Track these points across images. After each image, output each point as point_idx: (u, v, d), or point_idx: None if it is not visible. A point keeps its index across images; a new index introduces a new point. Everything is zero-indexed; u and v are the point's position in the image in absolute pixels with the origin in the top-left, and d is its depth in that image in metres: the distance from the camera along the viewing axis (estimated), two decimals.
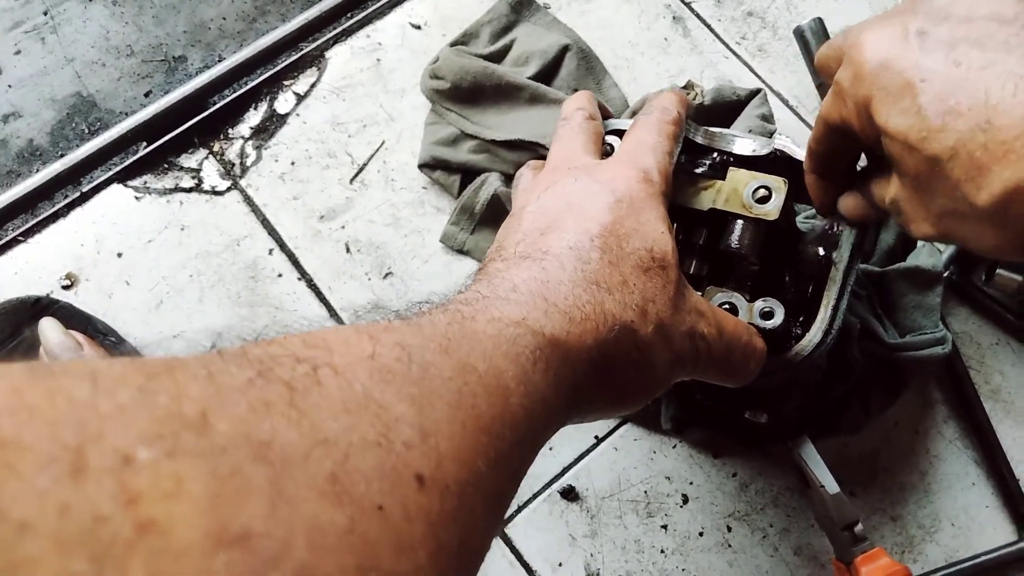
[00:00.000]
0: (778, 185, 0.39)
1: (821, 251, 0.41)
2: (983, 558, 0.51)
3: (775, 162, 0.41)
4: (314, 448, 0.19)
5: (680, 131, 0.40)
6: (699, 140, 0.42)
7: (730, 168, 0.41)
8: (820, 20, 0.61)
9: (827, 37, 0.61)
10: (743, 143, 0.42)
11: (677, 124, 0.40)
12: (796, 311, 0.41)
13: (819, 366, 0.44)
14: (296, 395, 0.20)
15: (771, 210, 0.39)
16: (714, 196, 0.40)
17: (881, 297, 0.51)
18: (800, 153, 0.41)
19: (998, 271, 0.55)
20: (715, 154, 0.42)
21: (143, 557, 0.15)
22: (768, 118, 0.56)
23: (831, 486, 0.47)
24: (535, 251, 0.33)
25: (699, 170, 0.41)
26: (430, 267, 0.59)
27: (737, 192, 0.40)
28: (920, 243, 0.55)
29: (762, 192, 0.39)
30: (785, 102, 0.64)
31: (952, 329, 0.57)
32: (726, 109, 0.57)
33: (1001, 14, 0.29)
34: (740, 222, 0.39)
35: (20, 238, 0.60)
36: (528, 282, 0.31)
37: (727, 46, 0.65)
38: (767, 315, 0.38)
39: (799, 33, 0.61)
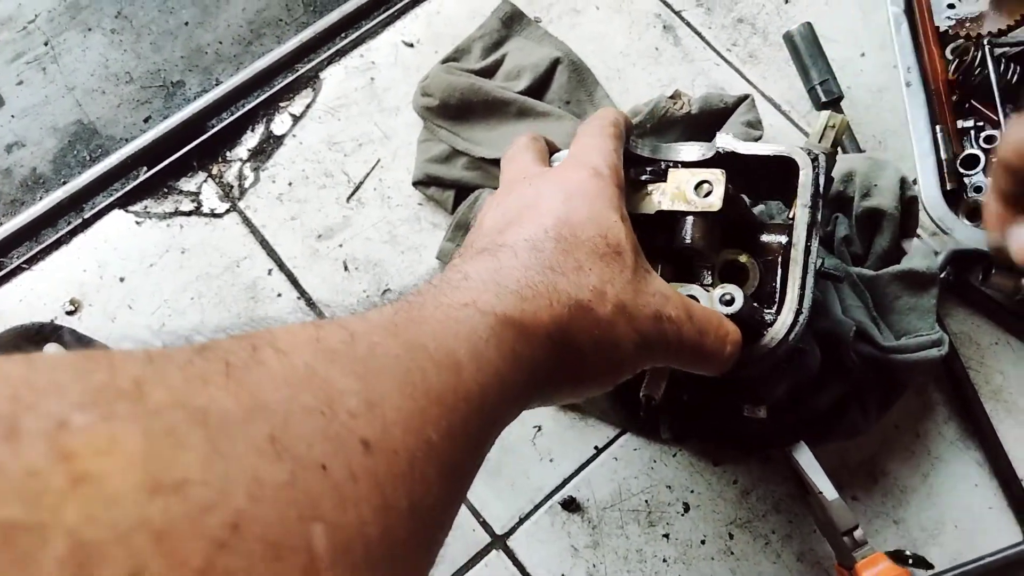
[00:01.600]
0: (716, 176, 0.40)
1: (782, 239, 0.42)
2: (988, 560, 0.51)
3: (722, 162, 0.42)
4: (252, 414, 0.19)
5: (621, 133, 0.41)
6: (645, 154, 0.44)
7: (670, 169, 0.42)
8: (809, 25, 0.61)
9: (816, 42, 0.61)
10: (688, 150, 0.43)
11: (617, 127, 0.41)
12: (769, 302, 0.42)
13: (804, 350, 0.44)
14: (234, 370, 0.20)
15: (714, 201, 0.40)
16: (659, 198, 0.41)
17: (876, 300, 0.51)
18: (743, 147, 0.42)
19: (994, 271, 0.55)
20: (660, 163, 0.43)
21: (77, 503, 0.15)
22: (754, 124, 0.56)
23: (829, 492, 0.47)
24: (492, 245, 0.33)
25: (643, 177, 0.42)
26: None
27: (680, 191, 0.41)
28: (915, 245, 0.55)
29: (704, 186, 0.40)
30: (777, 107, 0.64)
31: (951, 330, 0.56)
32: (714, 117, 0.57)
33: None
34: (689, 219, 0.40)
35: (24, 265, 0.61)
36: (480, 272, 0.31)
37: (718, 53, 0.65)
38: (727, 301, 0.39)
39: (789, 38, 0.62)
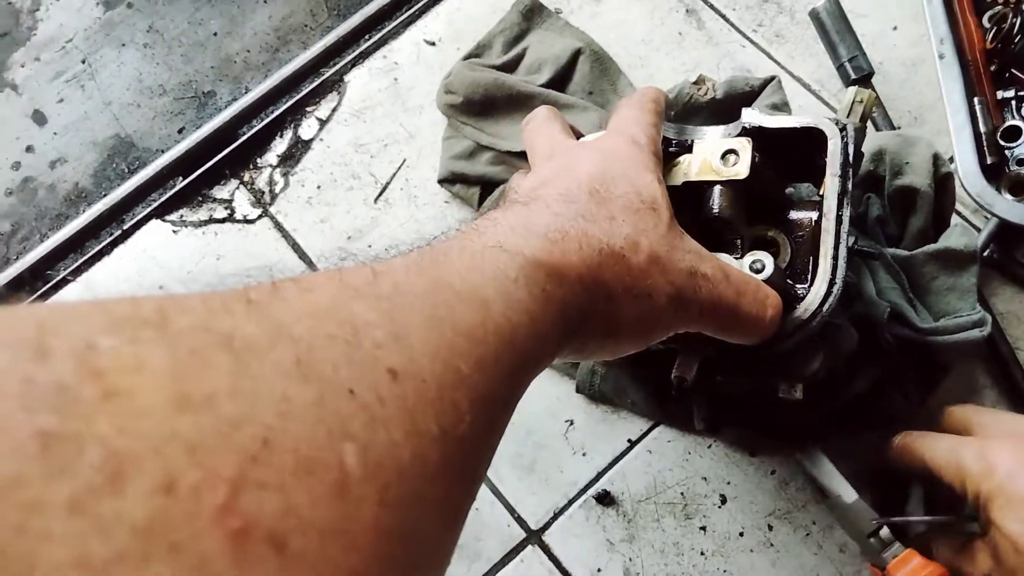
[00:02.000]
0: (743, 145, 0.40)
1: (813, 215, 0.41)
2: None
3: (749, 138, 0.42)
4: (276, 340, 0.19)
5: (660, 109, 0.41)
6: (670, 135, 0.43)
7: (696, 142, 0.41)
8: (836, 1, 0.59)
9: (843, 17, 0.59)
10: (713, 132, 0.43)
11: (657, 103, 0.41)
12: (801, 278, 0.41)
13: (838, 325, 0.43)
14: (256, 304, 0.20)
15: (741, 170, 0.39)
16: (685, 170, 0.41)
17: (912, 281, 0.50)
18: (769, 121, 0.42)
19: None
20: (687, 140, 0.43)
21: (109, 416, 0.15)
22: (780, 106, 0.55)
23: (848, 494, 0.45)
24: (524, 199, 0.33)
25: (670, 149, 0.42)
26: None
27: (707, 162, 0.40)
28: (953, 223, 0.53)
29: (730, 156, 0.40)
30: (807, 87, 0.62)
31: (997, 310, 0.54)
32: (739, 101, 0.56)
33: None
34: (716, 188, 0.40)
35: (69, 277, 0.63)
36: (509, 219, 0.31)
37: (743, 35, 0.64)
38: (757, 269, 0.38)
39: (815, 15, 0.60)
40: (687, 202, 0.41)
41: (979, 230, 0.55)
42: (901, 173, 0.50)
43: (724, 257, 0.39)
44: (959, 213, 0.57)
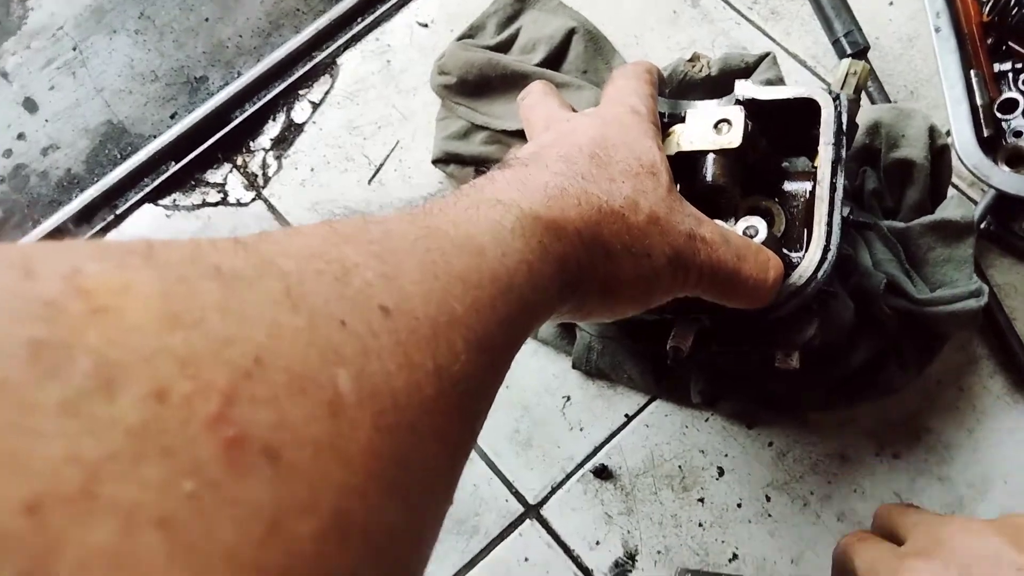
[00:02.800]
0: (735, 113, 0.40)
1: (807, 186, 0.41)
2: None
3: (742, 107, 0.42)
4: (265, 272, 0.19)
5: (655, 80, 0.42)
6: (664, 109, 0.44)
7: (689, 111, 0.41)
8: None
9: None
10: (706, 104, 0.44)
11: (651, 73, 0.42)
12: (796, 246, 0.42)
13: (834, 293, 0.43)
14: (243, 243, 0.20)
15: (734, 138, 0.39)
16: (678, 140, 0.41)
17: (908, 253, 0.50)
18: (762, 93, 0.42)
19: None
20: (681, 112, 0.43)
21: (98, 329, 0.15)
22: (775, 81, 0.55)
23: None
24: (524, 160, 0.33)
25: (664, 121, 0.42)
26: None
27: (699, 132, 0.40)
28: (949, 195, 0.53)
29: (723, 125, 0.40)
30: (803, 63, 0.62)
31: (994, 281, 0.54)
32: (734, 77, 0.55)
33: (1019, 564, 0.34)
34: (709, 156, 0.40)
35: None
36: (507, 176, 0.30)
37: (739, 12, 0.64)
38: (751, 234, 0.38)
39: None
40: (682, 172, 0.41)
41: (976, 203, 0.55)
42: (897, 145, 0.50)
43: (719, 223, 0.39)
44: (955, 186, 0.57)
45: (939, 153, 0.51)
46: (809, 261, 0.39)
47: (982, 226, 0.55)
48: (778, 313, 0.40)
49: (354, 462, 0.17)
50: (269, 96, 0.66)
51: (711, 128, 0.40)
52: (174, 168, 0.65)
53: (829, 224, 0.39)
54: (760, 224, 0.38)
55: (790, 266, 0.39)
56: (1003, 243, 0.56)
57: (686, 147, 0.40)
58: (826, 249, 0.39)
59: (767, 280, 0.36)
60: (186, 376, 0.15)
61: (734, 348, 0.43)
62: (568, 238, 0.29)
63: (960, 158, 0.53)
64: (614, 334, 0.52)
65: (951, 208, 0.50)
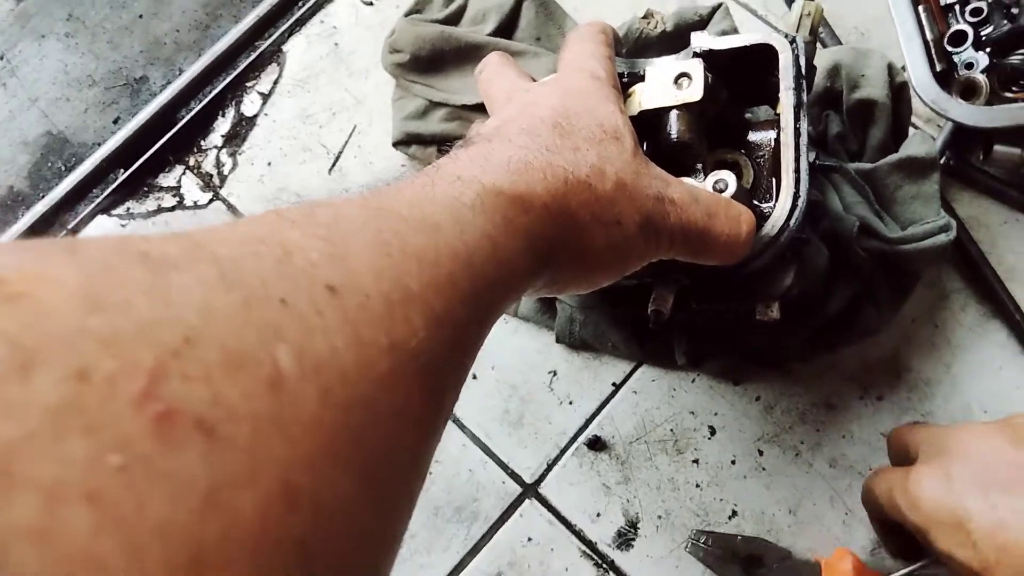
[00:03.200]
0: (694, 66, 0.39)
1: (771, 135, 0.41)
2: None
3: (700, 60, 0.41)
4: (197, 256, 0.18)
5: (610, 40, 0.41)
6: (622, 69, 0.43)
7: (647, 69, 0.41)
8: None
9: None
10: (664, 60, 0.43)
11: (606, 34, 0.41)
12: (765, 197, 0.41)
13: (807, 239, 0.43)
14: (178, 232, 0.19)
15: (695, 92, 0.39)
16: (639, 99, 0.40)
17: (877, 193, 0.50)
18: (719, 43, 0.42)
19: (995, 147, 0.53)
20: (639, 70, 0.42)
21: (12, 315, 0.14)
22: (730, 32, 0.54)
23: None
24: (487, 136, 0.32)
25: (623, 81, 0.42)
26: None
27: (659, 89, 0.40)
28: (911, 132, 0.53)
29: (683, 79, 0.39)
30: (754, 12, 0.62)
31: (958, 215, 0.55)
32: (690, 31, 0.55)
33: (1017, 462, 0.37)
34: (672, 113, 0.39)
35: None
36: (470, 153, 0.30)
37: None
38: (720, 188, 0.38)
39: None
40: (646, 132, 0.40)
41: (935, 138, 0.56)
42: (858, 86, 0.50)
43: (688, 181, 0.38)
44: (914, 125, 0.57)
45: (899, 91, 0.51)
46: (780, 210, 0.39)
47: (942, 161, 0.56)
48: (754, 266, 0.39)
49: (299, 436, 0.16)
50: (215, 91, 0.64)
51: (671, 84, 0.40)
52: (124, 176, 0.62)
53: (797, 170, 0.39)
54: (729, 178, 0.38)
55: (762, 217, 0.39)
56: (962, 176, 0.56)
57: (648, 105, 0.40)
58: (796, 196, 0.39)
59: (740, 235, 0.36)
60: (109, 355, 0.14)
61: (714, 305, 0.43)
62: (535, 212, 0.28)
63: (918, 94, 0.53)
64: (595, 303, 0.52)
65: (914, 145, 0.51)
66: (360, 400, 0.18)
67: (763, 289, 0.41)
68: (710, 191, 0.37)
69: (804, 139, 0.39)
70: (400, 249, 0.22)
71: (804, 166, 0.39)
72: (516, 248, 0.27)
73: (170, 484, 0.14)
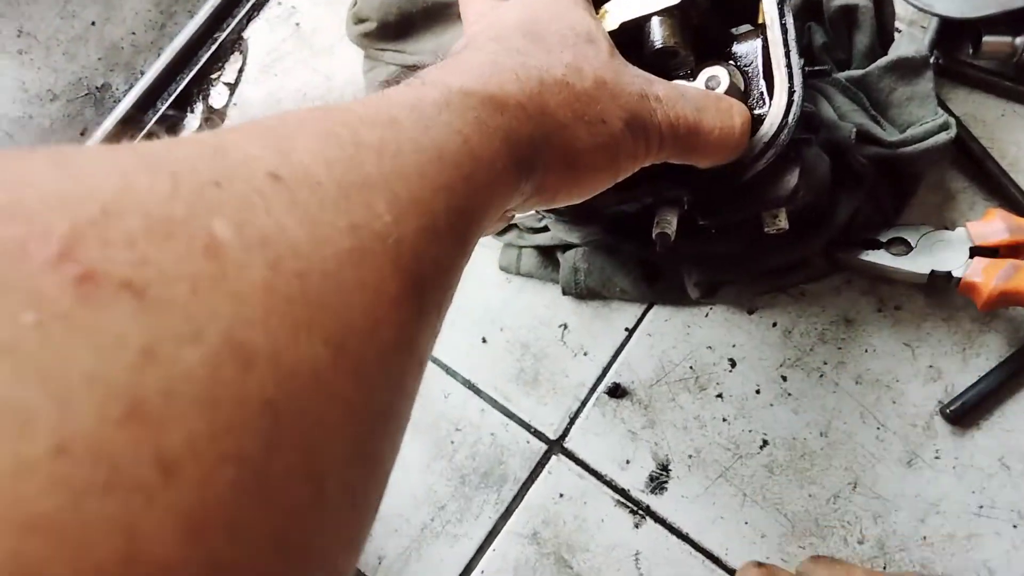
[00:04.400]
0: None
1: (757, 43, 0.40)
2: None
3: None
4: (115, 149, 0.17)
5: None
6: None
7: None
8: None
9: None
10: None
11: None
12: (759, 105, 0.40)
13: (807, 140, 0.42)
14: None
15: None
16: (616, 14, 0.39)
17: (871, 99, 0.49)
18: None
19: (984, 39, 0.52)
20: None
21: None
22: None
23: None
24: (455, 51, 0.31)
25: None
26: None
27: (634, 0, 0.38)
28: (899, 33, 0.52)
29: None
30: None
31: (954, 113, 0.54)
32: None
33: None
34: (653, 20, 0.38)
35: None
36: (439, 64, 0.28)
37: None
38: (713, 86, 0.37)
39: None
40: (628, 48, 0.39)
41: (922, 39, 0.54)
42: None
43: (676, 82, 0.37)
44: (898, 29, 0.56)
45: None
46: (777, 107, 0.37)
47: (931, 60, 0.54)
48: (756, 167, 0.38)
49: (247, 297, 0.15)
50: (180, 88, 0.62)
51: None
52: None
53: (788, 65, 0.38)
54: (721, 73, 0.37)
55: (758, 121, 0.38)
56: (954, 74, 0.55)
57: (626, 16, 0.38)
58: (791, 91, 0.37)
59: (734, 127, 0.34)
60: (15, 223, 0.13)
61: (720, 218, 0.42)
62: (511, 112, 0.27)
63: None
64: (599, 236, 0.50)
65: (903, 46, 0.49)
66: (319, 271, 0.17)
67: (769, 194, 0.40)
68: (700, 87, 0.36)
69: (792, 34, 0.38)
70: (353, 141, 0.21)
71: (796, 60, 0.38)
72: (493, 148, 0.25)
73: (96, 339, 0.13)
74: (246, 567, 0.14)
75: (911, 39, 0.50)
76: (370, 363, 0.18)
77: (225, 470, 0.13)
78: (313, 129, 0.20)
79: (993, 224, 0.46)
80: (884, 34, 0.51)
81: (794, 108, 0.37)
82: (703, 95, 0.34)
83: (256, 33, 0.62)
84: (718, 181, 0.37)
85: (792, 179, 0.39)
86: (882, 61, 0.49)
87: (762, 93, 0.40)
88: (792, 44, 0.38)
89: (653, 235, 0.39)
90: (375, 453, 0.18)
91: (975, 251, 0.47)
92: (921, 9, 0.50)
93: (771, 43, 0.38)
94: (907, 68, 0.49)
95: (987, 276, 0.45)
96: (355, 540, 0.18)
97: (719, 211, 0.40)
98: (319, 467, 0.16)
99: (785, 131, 0.37)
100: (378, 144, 0.21)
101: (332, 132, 0.20)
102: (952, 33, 0.54)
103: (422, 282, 0.20)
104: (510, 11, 0.33)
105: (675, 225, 0.39)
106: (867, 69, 0.49)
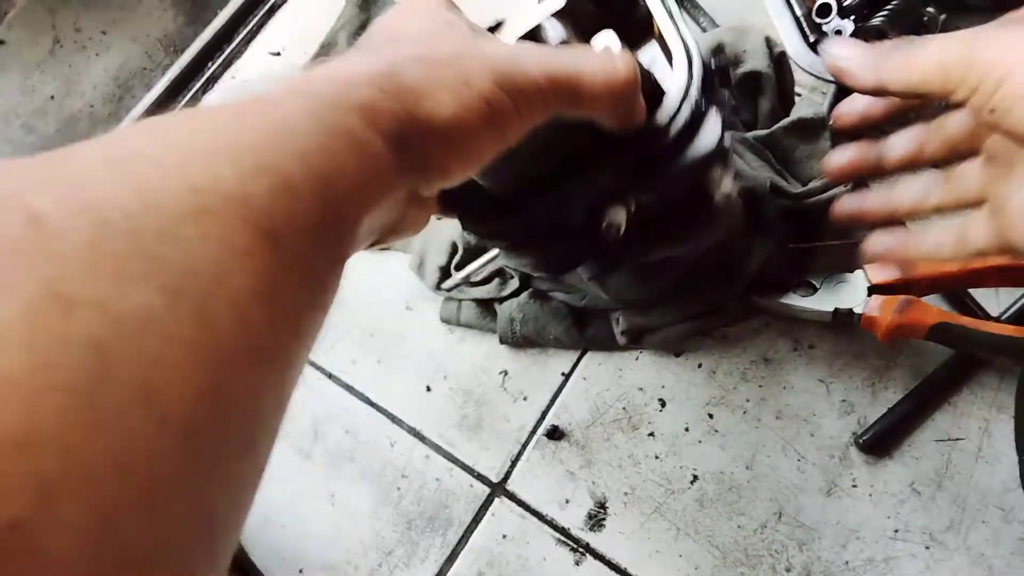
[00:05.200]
0: None
1: (653, 42, 0.41)
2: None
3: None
4: None
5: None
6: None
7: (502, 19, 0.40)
8: None
9: None
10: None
11: None
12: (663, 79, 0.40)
13: (721, 102, 0.41)
14: None
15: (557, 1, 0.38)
16: (511, 33, 0.39)
17: (776, 155, 0.54)
18: None
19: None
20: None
21: None
22: None
23: None
24: None
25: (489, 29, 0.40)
26: None
27: (523, 16, 0.39)
28: (798, 96, 0.57)
29: None
30: None
31: None
32: None
33: None
34: (544, 24, 0.38)
35: None
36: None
37: None
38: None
39: None
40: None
41: (821, 103, 0.60)
42: (741, 61, 0.54)
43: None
44: (798, 94, 0.61)
45: (779, 60, 0.55)
46: (678, 64, 0.38)
47: (830, 122, 0.60)
48: (676, 125, 0.37)
49: (67, 254, 0.16)
50: None
51: (534, 2, 0.38)
52: None
53: (676, 27, 0.38)
54: (611, 38, 0.37)
55: (659, 89, 0.38)
56: (848, 134, 0.61)
57: (521, 31, 0.38)
58: (686, 48, 0.38)
59: (618, 72, 0.33)
60: None
61: (661, 195, 0.41)
62: (360, 87, 0.26)
63: (796, 63, 0.57)
64: (535, 264, 0.50)
65: (803, 109, 0.55)
66: (152, 228, 0.18)
67: (698, 150, 0.39)
68: (575, 46, 0.36)
69: (675, 8, 0.39)
70: (193, 127, 0.21)
71: (683, 28, 0.38)
72: (350, 121, 0.25)
73: None
74: (79, 483, 0.15)
75: (810, 103, 0.55)
76: (218, 308, 0.19)
77: (52, 397, 0.15)
78: (162, 120, 0.21)
79: (887, 265, 0.51)
80: (784, 97, 0.56)
81: (695, 71, 0.37)
82: (580, 50, 0.35)
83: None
84: (646, 159, 0.38)
85: (715, 128, 0.39)
86: (784, 122, 0.54)
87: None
88: (677, 17, 0.38)
89: (603, 227, 0.38)
90: (230, 393, 0.19)
91: (872, 289, 0.51)
92: (817, 77, 0.56)
93: (657, 20, 0.38)
94: (807, 128, 0.54)
95: (884, 311, 0.49)
96: (211, 485, 0.18)
97: (656, 186, 0.40)
98: (159, 399, 0.16)
99: (691, 87, 0.37)
100: (222, 123, 0.22)
101: (178, 118, 0.22)
102: (847, 96, 0.60)
103: (276, 235, 0.21)
104: (378, 27, 0.34)
105: (623, 218, 0.38)
106: (771, 129, 0.54)
